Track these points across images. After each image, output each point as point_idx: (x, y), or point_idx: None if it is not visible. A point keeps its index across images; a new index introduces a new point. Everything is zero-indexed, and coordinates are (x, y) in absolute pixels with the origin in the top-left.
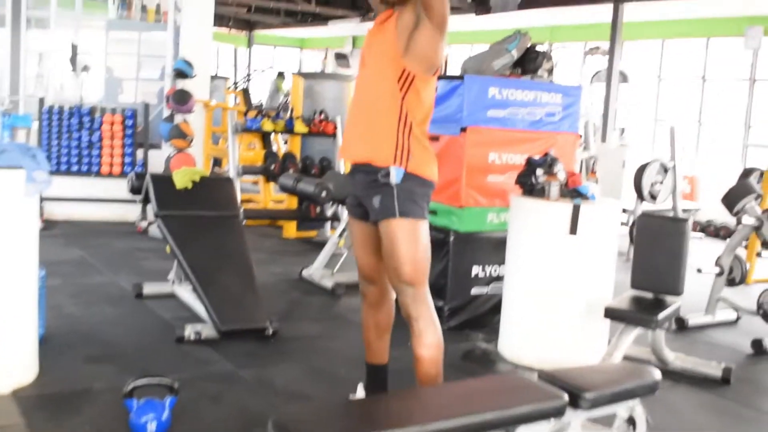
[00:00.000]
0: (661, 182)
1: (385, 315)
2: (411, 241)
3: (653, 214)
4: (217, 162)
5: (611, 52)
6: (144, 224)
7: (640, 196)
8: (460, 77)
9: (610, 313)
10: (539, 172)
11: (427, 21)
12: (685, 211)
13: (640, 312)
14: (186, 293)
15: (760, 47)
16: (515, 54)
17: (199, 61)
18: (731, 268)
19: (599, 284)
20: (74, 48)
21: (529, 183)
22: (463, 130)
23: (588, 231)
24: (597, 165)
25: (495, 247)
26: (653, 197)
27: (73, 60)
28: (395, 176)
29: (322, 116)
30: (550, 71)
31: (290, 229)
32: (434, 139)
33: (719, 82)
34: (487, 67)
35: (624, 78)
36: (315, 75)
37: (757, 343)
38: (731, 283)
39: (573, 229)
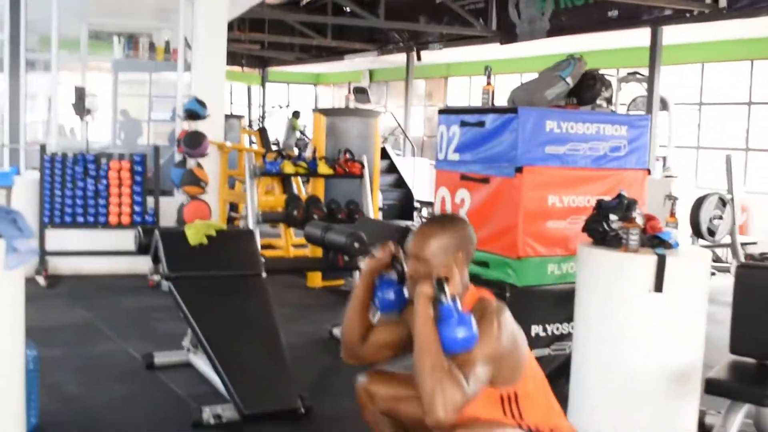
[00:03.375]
0: (721, 217)
1: None
2: None
3: (756, 265)
4: (234, 207)
5: (651, 78)
6: (156, 278)
7: (697, 233)
8: (513, 110)
9: (714, 387)
10: (613, 217)
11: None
12: (743, 245)
13: (750, 385)
14: (203, 363)
15: None
16: (570, 82)
17: (213, 100)
18: None
19: (689, 349)
20: (79, 91)
21: (600, 230)
22: (519, 170)
23: (675, 287)
24: (676, 206)
25: (557, 303)
26: (711, 233)
27: (77, 104)
28: None
29: (348, 156)
30: (609, 100)
31: (315, 278)
32: (484, 180)
33: (765, 106)
34: (539, 97)
35: (664, 105)
36: (337, 111)
37: None
38: None
39: (658, 286)
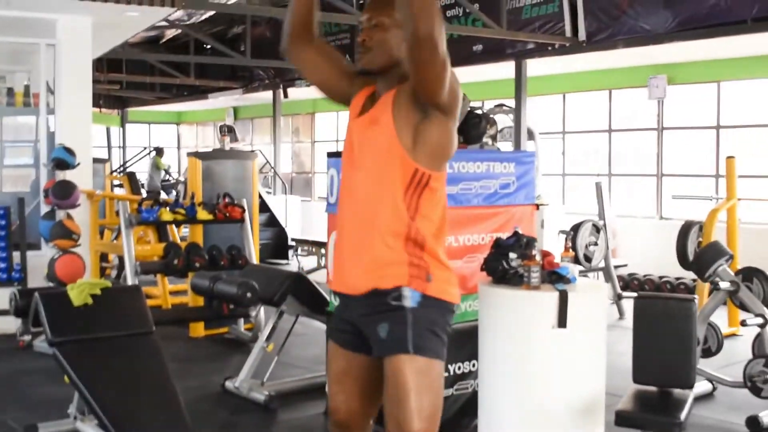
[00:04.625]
0: (596, 243)
1: None
2: (425, 387)
3: (653, 295)
4: (103, 256)
5: (517, 109)
6: (27, 338)
7: (575, 260)
8: None
9: (624, 420)
10: (512, 255)
11: (437, 111)
12: (617, 267)
13: (657, 415)
14: (94, 431)
15: (665, 96)
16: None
17: (79, 146)
18: (705, 337)
19: (592, 380)
20: None
21: (500, 269)
22: None
23: (576, 321)
24: (570, 239)
25: (457, 343)
26: (588, 260)
27: None
28: (410, 299)
29: (227, 200)
30: (494, 137)
31: (197, 328)
32: None
33: (626, 134)
34: None
35: (530, 135)
36: (213, 154)
37: (752, 421)
38: (706, 353)
39: (562, 322)
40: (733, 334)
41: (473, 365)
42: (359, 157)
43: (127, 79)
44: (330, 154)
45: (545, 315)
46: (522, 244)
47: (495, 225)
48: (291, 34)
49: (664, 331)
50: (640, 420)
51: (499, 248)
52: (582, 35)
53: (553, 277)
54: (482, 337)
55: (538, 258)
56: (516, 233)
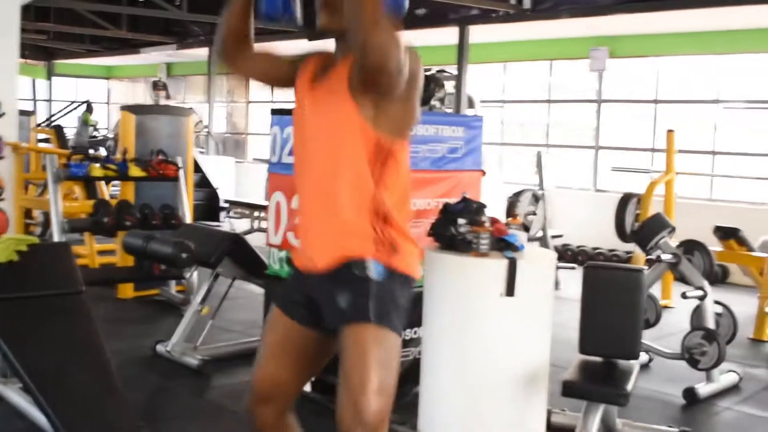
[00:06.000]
0: (535, 212)
1: None
2: (385, 361)
3: (601, 265)
4: (27, 213)
5: (459, 77)
6: None
7: None
8: None
9: (571, 390)
10: (461, 221)
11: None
12: (553, 237)
13: (604, 386)
14: (17, 395)
15: (605, 69)
16: None
17: (5, 96)
18: (644, 309)
19: (538, 350)
20: None
21: (448, 235)
22: None
23: (524, 289)
24: (516, 206)
25: None
26: (526, 229)
27: None
28: (374, 271)
29: (161, 157)
30: (443, 100)
31: (126, 289)
32: None
33: (565, 105)
34: None
35: (471, 103)
36: (147, 109)
37: (690, 393)
38: (645, 325)
39: (510, 290)
40: (666, 306)
41: (415, 332)
42: (315, 129)
43: (55, 29)
44: (274, 111)
45: (493, 283)
46: (471, 209)
47: (442, 190)
48: (224, 50)
49: (612, 301)
50: (588, 390)
51: (448, 214)
52: (527, 3)
53: (502, 244)
54: (427, 304)
55: (487, 224)
56: (465, 199)
